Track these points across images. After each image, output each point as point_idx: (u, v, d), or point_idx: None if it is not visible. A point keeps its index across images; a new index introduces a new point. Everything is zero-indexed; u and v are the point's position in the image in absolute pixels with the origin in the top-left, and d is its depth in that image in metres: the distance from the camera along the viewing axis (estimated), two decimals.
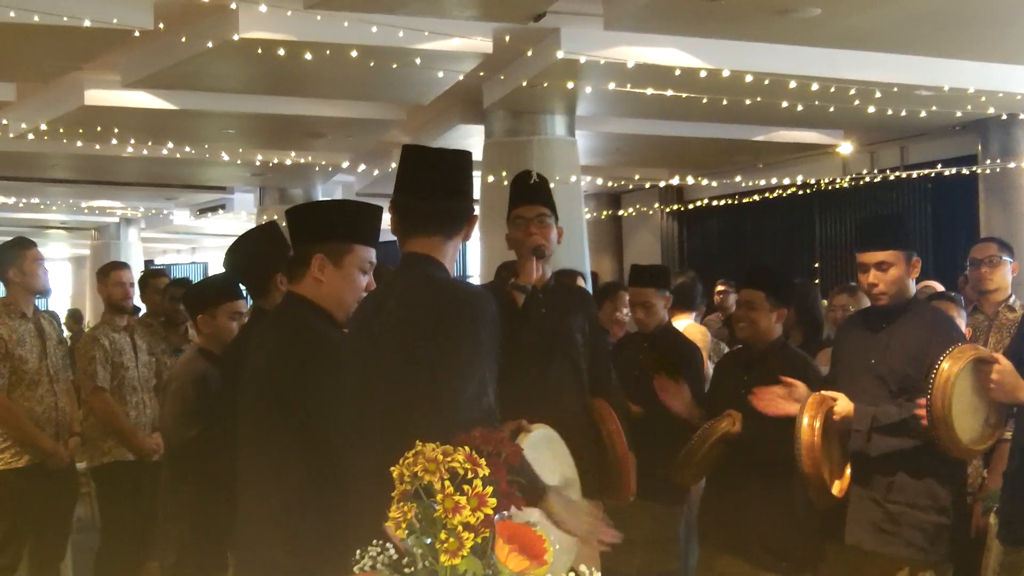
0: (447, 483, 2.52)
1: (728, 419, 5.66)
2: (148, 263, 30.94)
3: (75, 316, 19.28)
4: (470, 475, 2.54)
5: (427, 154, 3.72)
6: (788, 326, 7.79)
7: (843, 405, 5.09)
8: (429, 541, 2.53)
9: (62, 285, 33.91)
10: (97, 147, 14.55)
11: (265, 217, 18.60)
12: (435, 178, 3.64)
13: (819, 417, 5.03)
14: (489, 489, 2.53)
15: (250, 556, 4.02)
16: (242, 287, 6.02)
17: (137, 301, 8.42)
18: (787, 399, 5.29)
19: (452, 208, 3.63)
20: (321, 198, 19.97)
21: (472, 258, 22.30)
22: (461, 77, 11.27)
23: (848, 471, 5.21)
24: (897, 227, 5.41)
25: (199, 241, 32.36)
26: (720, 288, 12.38)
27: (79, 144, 14.07)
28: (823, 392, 5.17)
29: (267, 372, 4.00)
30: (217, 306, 6.04)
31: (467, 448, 2.59)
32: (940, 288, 8.61)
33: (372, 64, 10.08)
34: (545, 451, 3.57)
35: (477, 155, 13.43)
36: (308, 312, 4.03)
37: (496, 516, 2.55)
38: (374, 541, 2.64)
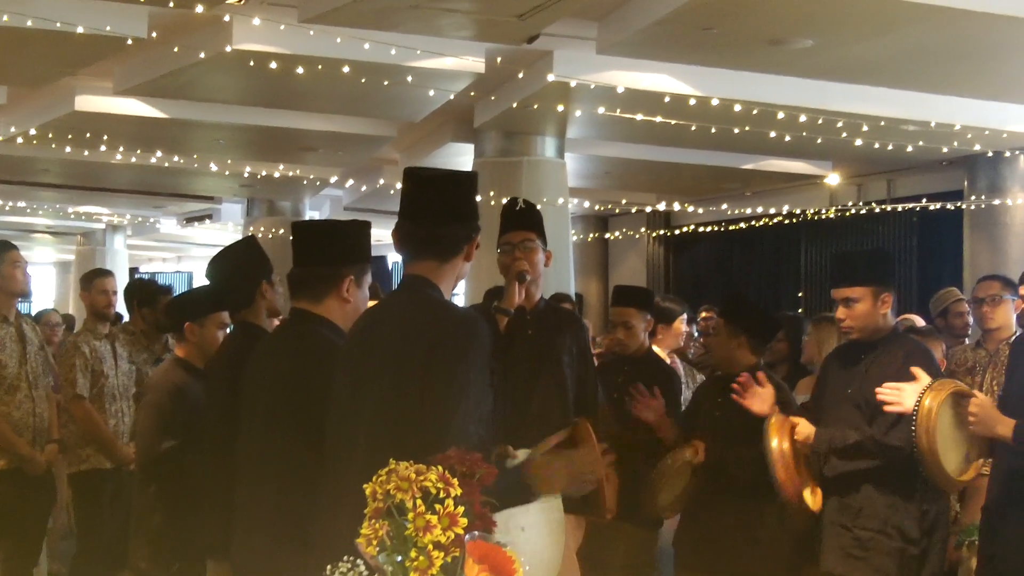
0: (419, 502, 2.53)
1: (691, 449, 5.76)
2: (133, 270, 30.89)
3: (67, 321, 19.19)
4: (442, 494, 2.55)
5: (423, 179, 3.69)
6: (778, 358, 7.88)
7: (804, 428, 5.23)
8: (400, 559, 2.54)
9: (47, 290, 33.83)
10: (86, 153, 14.55)
11: (252, 229, 18.61)
12: (430, 203, 3.61)
13: (786, 438, 5.16)
14: (461, 509, 2.55)
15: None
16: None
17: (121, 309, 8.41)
18: (759, 396, 5.47)
19: (447, 232, 3.60)
20: (309, 212, 20.01)
21: None
22: (452, 96, 11.31)
23: (818, 488, 5.31)
24: (866, 263, 5.48)
25: (185, 250, 32.34)
26: (704, 314, 12.41)
27: (68, 150, 14.06)
28: (787, 416, 5.28)
29: (292, 388, 4.03)
30: (208, 315, 6.03)
31: (440, 468, 2.60)
32: (920, 323, 8.64)
33: (364, 80, 10.12)
34: None
35: None
36: (328, 330, 4.11)
37: (467, 536, 2.56)
38: (345, 557, 2.65)
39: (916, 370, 4.88)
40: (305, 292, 4.26)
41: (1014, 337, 6.99)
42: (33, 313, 11.70)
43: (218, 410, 4.95)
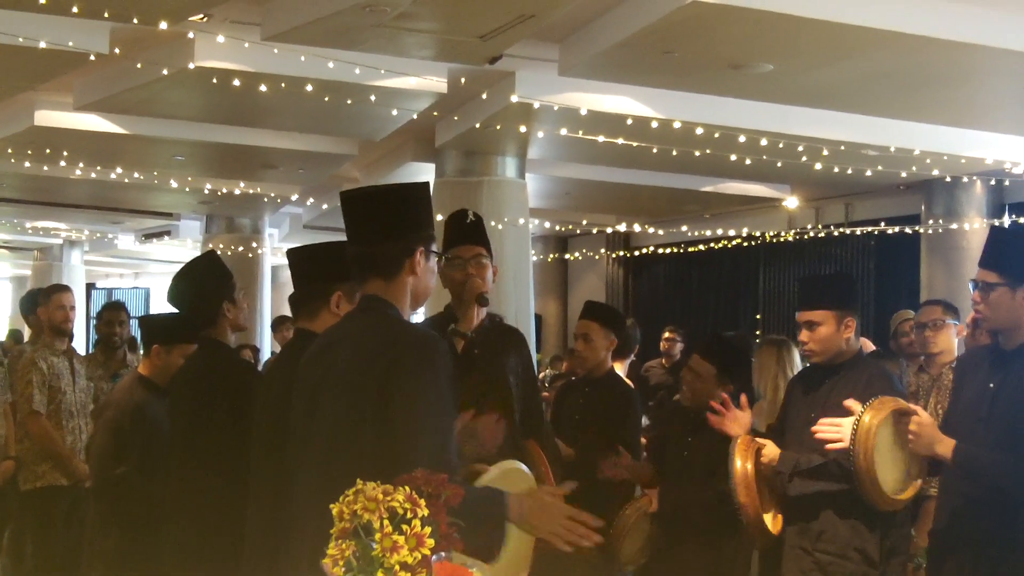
0: (386, 522, 2.53)
1: (644, 499, 5.82)
2: (90, 286, 30.69)
3: (15, 336, 19.07)
4: (409, 515, 2.55)
5: (353, 198, 3.67)
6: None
7: (770, 450, 5.24)
8: None
9: (2, 305, 33.58)
10: (45, 168, 14.46)
11: (210, 246, 18.51)
12: (363, 223, 3.60)
13: (750, 458, 5.19)
14: (428, 529, 2.55)
15: None
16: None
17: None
18: (736, 420, 5.45)
19: (382, 250, 3.57)
20: (268, 229, 19.93)
21: None
22: (415, 116, 11.31)
23: (779, 514, 5.32)
24: (830, 287, 5.49)
25: (143, 266, 32.16)
26: (668, 335, 12.49)
27: (27, 164, 13.97)
28: (754, 438, 5.30)
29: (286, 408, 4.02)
30: (178, 344, 5.99)
31: (407, 488, 2.60)
32: (871, 346, 8.69)
33: (327, 99, 10.11)
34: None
35: None
36: None
37: (434, 557, 2.56)
38: None
39: (850, 403, 4.91)
40: (303, 312, 4.47)
41: (956, 360, 7.07)
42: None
43: (181, 429, 4.94)
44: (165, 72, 9.69)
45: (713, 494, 5.58)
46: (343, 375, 3.42)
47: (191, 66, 9.43)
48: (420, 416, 3.28)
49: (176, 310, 5.52)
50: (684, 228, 17.34)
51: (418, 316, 5.75)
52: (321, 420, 3.45)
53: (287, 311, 5.77)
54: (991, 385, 4.72)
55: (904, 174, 13.41)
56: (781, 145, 11.74)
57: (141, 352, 7.18)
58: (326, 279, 4.42)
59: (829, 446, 4.88)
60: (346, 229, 3.65)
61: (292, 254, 4.62)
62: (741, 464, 5.19)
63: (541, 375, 14.52)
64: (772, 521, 5.30)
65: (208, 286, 5.22)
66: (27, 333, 9.04)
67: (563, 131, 11.52)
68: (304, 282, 4.52)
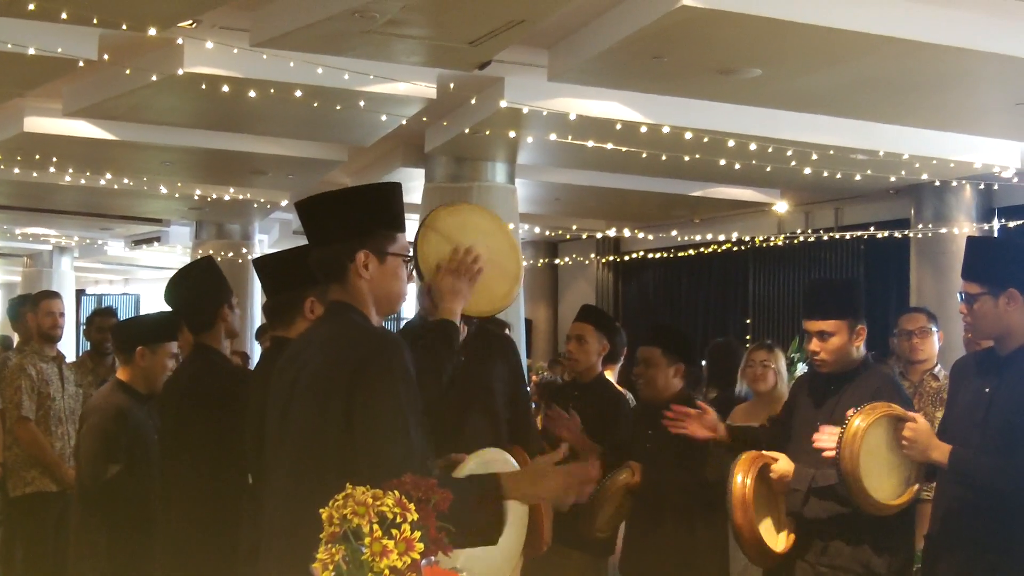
0: (376, 526, 2.53)
1: (627, 471, 5.78)
2: (80, 292, 30.65)
3: (5, 343, 19.04)
4: (399, 519, 2.55)
5: (302, 206, 3.67)
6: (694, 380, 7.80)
7: (782, 465, 5.11)
8: None
9: None
10: (35, 174, 14.45)
11: (200, 251, 18.49)
12: (310, 228, 3.62)
13: (751, 474, 5.08)
14: (417, 534, 2.55)
15: None
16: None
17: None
18: (697, 422, 5.41)
19: (326, 254, 3.57)
20: (258, 235, 19.92)
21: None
22: (404, 121, 11.31)
23: (791, 533, 5.24)
24: (841, 295, 5.35)
25: (132, 272, 32.11)
26: None
27: (16, 171, 13.96)
28: (762, 452, 5.21)
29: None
30: (161, 343, 5.98)
31: (396, 492, 2.60)
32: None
33: (316, 104, 10.10)
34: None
35: (417, 198, 13.48)
36: None
37: (423, 561, 2.56)
38: None
39: (849, 413, 4.90)
40: (277, 320, 4.47)
41: (938, 367, 7.09)
42: None
43: (173, 432, 4.93)
44: (154, 78, 9.69)
45: (689, 476, 5.59)
46: (310, 380, 3.42)
47: (180, 72, 9.42)
48: (385, 420, 3.27)
49: (171, 311, 5.50)
50: (674, 233, 17.37)
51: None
52: (291, 425, 3.45)
53: None
54: (987, 390, 4.73)
55: (893, 178, 13.43)
56: (770, 150, 11.76)
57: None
58: (297, 285, 4.41)
59: (826, 453, 4.83)
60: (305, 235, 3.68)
61: (260, 263, 4.58)
62: (741, 479, 5.09)
63: (535, 379, 14.53)
64: (784, 541, 5.22)
65: (207, 289, 5.22)
66: (15, 340, 9.02)
67: (552, 136, 11.53)
68: (276, 290, 4.50)
